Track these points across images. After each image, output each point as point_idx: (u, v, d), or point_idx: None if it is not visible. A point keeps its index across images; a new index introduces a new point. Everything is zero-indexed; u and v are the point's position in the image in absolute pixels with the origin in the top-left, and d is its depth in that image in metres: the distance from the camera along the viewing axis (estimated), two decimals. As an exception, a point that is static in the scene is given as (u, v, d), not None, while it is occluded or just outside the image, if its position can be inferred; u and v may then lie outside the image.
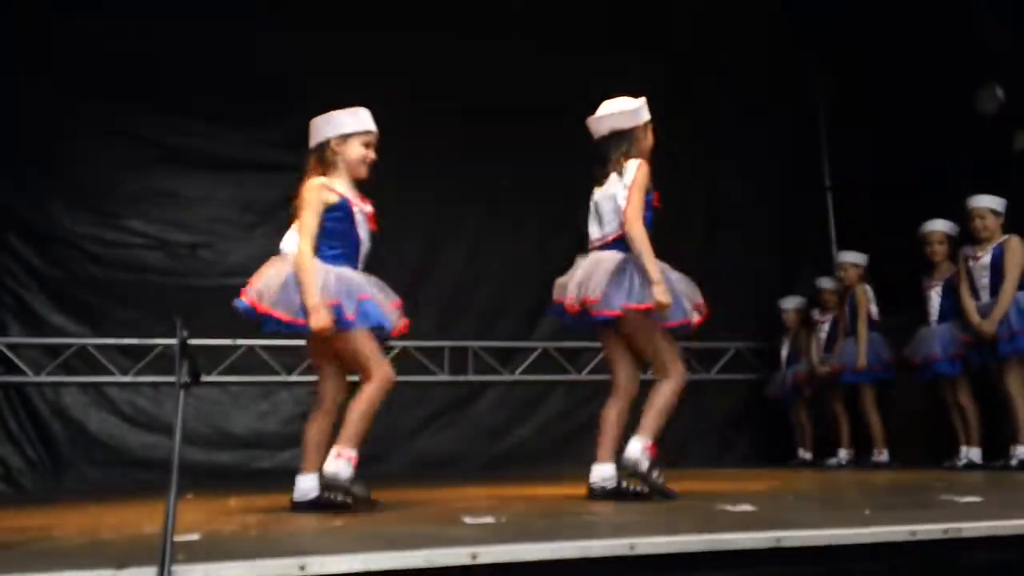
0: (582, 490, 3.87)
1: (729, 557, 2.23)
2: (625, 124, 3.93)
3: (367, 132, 3.77)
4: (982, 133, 6.31)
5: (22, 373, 6.73)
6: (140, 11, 6.78)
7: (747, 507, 3.09)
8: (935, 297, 6.01)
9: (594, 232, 3.96)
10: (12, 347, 6.75)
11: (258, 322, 3.51)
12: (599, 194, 3.94)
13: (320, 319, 3.39)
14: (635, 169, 3.82)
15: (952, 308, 5.88)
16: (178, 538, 2.01)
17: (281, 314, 3.42)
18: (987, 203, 5.65)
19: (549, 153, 7.55)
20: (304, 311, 3.41)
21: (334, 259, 3.58)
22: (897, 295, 6.48)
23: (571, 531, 2.61)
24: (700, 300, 3.91)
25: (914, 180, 6.77)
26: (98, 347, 6.89)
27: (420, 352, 7.41)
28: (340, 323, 3.44)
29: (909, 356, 6.14)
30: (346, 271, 3.59)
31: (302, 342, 6.97)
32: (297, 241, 3.54)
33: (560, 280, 3.94)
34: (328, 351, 3.59)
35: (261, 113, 7.32)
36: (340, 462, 3.46)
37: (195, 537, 2.54)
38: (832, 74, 8.36)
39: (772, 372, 7.57)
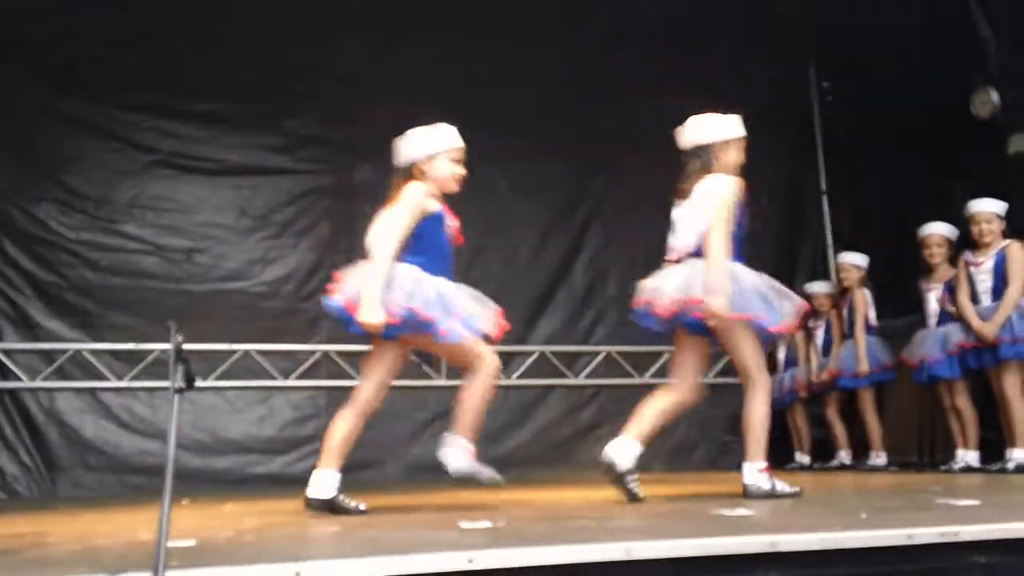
0: (578, 494, 3.88)
1: (725, 561, 2.23)
2: (701, 139, 4.01)
3: (454, 148, 3.86)
4: (977, 137, 6.31)
5: (17, 378, 6.69)
6: (136, 14, 6.76)
7: (744, 511, 3.09)
8: (933, 300, 6.01)
9: (672, 242, 4.03)
10: (7, 352, 6.72)
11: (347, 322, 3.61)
12: (679, 207, 4.01)
13: (372, 314, 3.43)
14: (718, 185, 3.87)
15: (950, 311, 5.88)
16: (173, 544, 2.00)
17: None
18: (992, 208, 5.63)
19: (547, 156, 7.59)
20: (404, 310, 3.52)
21: (424, 267, 3.67)
22: (891, 298, 6.49)
23: (568, 536, 2.61)
24: (800, 301, 4.02)
25: (909, 184, 6.77)
26: (93, 352, 6.86)
27: (416, 355, 7.38)
28: (428, 330, 3.60)
29: (907, 358, 6.14)
30: (445, 285, 3.73)
31: (298, 347, 7.09)
32: (382, 241, 3.62)
33: (647, 284, 4.01)
34: (390, 349, 3.71)
35: (259, 117, 7.31)
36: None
37: (190, 543, 2.53)
38: (828, 77, 8.38)
39: (769, 375, 7.55)
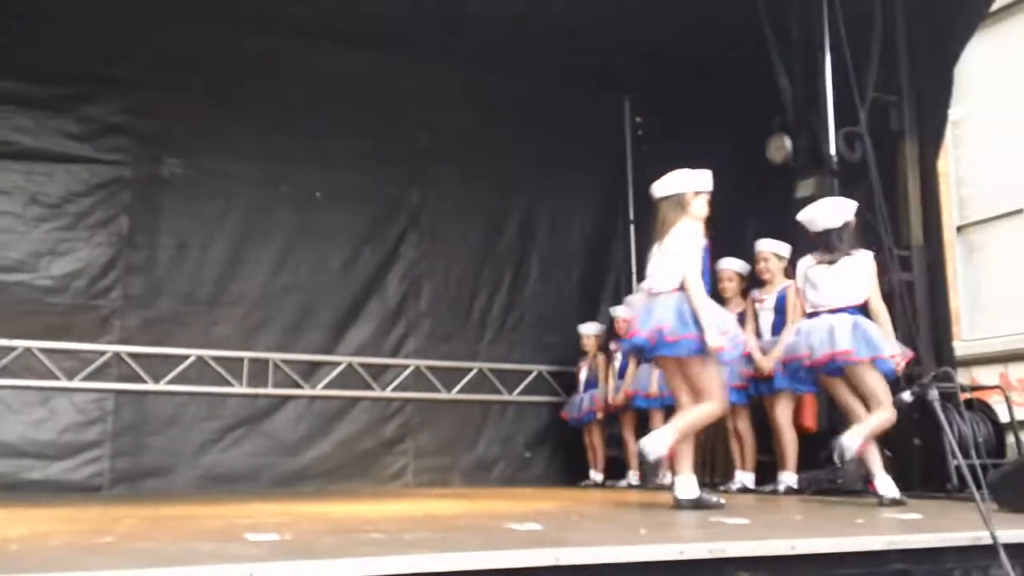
0: (375, 507, 3.85)
1: (510, 574, 2.27)
2: (848, 218, 4.74)
3: (710, 192, 4.34)
4: (771, 180, 6.75)
5: None
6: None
7: (534, 526, 3.15)
8: (723, 330, 6.37)
9: (814, 298, 4.72)
10: None
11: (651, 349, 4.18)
12: (822, 270, 4.71)
13: (720, 339, 4.05)
14: (870, 263, 4.69)
15: (737, 343, 6.25)
16: (-84, 553, 1.84)
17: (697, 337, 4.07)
18: (771, 247, 6.08)
19: (365, 167, 7.55)
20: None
21: None
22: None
23: (355, 549, 2.57)
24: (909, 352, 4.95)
25: (709, 220, 7.15)
26: None
27: (217, 362, 7.13)
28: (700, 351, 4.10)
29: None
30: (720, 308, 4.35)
31: (86, 346, 6.68)
32: (686, 277, 4.15)
33: (792, 342, 4.83)
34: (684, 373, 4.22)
35: (57, 100, 6.90)
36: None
37: (-60, 553, 2.33)
38: (642, 111, 8.77)
39: (571, 395, 7.79)
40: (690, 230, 4.25)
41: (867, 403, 4.57)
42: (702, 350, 4.09)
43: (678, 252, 4.20)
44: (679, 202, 4.29)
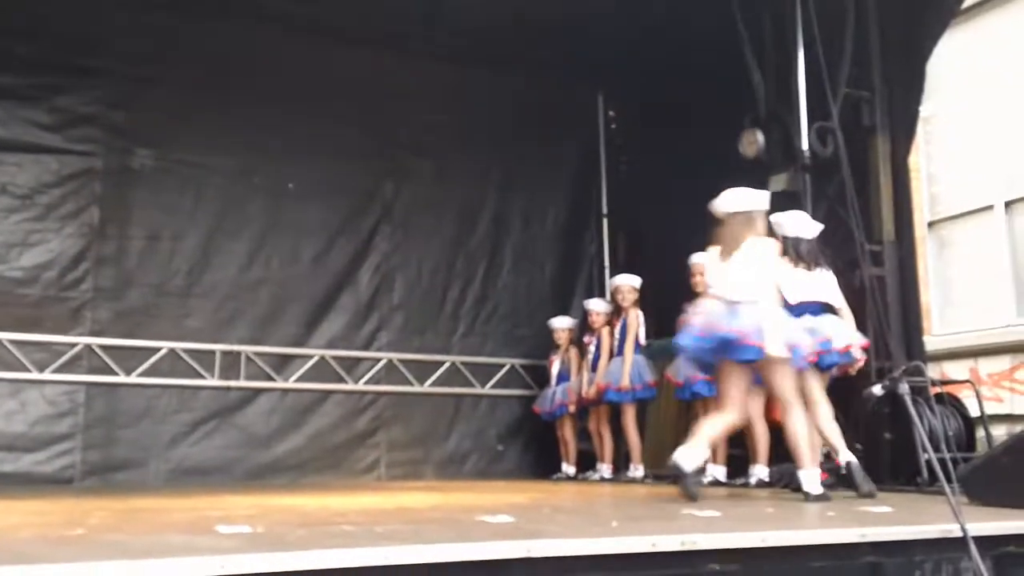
0: (347, 500, 3.84)
1: (482, 566, 2.27)
2: (815, 233, 5.11)
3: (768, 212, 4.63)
4: (743, 174, 6.78)
5: None
6: None
7: (506, 518, 3.16)
8: (696, 324, 6.40)
9: (796, 295, 4.89)
10: None
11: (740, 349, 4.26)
12: (802, 272, 4.97)
13: (781, 348, 4.23)
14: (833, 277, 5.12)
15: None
16: None
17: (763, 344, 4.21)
18: None
19: (338, 159, 7.52)
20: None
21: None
22: (659, 320, 6.86)
23: (327, 541, 2.57)
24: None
25: (682, 213, 7.19)
26: None
27: (188, 354, 7.08)
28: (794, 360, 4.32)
29: (671, 377, 6.50)
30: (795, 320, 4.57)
31: (57, 338, 6.61)
32: (764, 291, 4.36)
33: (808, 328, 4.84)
34: (746, 374, 4.41)
35: (28, 90, 6.83)
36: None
37: (-94, 546, 2.30)
38: (616, 105, 8.79)
39: (544, 388, 7.81)
40: (769, 247, 4.52)
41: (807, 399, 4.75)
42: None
43: (760, 267, 4.41)
44: (748, 219, 4.47)
